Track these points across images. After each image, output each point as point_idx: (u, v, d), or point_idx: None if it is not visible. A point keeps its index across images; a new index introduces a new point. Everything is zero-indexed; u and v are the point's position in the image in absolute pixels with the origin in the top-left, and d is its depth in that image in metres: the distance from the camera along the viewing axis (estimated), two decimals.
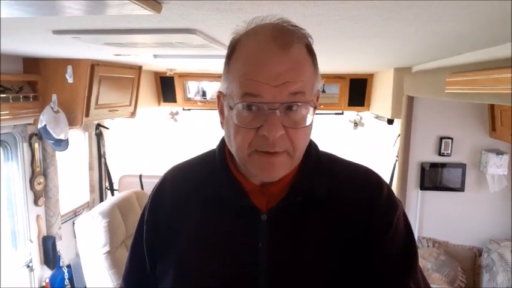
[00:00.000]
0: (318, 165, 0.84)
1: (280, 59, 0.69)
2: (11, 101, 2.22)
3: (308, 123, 0.73)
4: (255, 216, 0.79)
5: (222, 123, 0.81)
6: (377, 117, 3.71)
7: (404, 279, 0.78)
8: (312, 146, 0.84)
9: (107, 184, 3.66)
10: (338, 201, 0.81)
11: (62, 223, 2.92)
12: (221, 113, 0.81)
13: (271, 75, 0.68)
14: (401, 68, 2.80)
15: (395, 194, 0.86)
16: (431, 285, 0.86)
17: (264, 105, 0.69)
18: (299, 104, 0.71)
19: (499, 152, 2.72)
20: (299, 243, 0.79)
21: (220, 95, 0.80)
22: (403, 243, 0.81)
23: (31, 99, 2.40)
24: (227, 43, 0.78)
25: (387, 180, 3.19)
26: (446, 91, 1.84)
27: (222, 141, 0.88)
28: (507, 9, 0.92)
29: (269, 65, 0.69)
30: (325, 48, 1.69)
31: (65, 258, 2.95)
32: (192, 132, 4.21)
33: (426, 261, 2.76)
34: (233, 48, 0.75)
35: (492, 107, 2.59)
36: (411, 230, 0.85)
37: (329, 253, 0.78)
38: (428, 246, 2.95)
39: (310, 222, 0.80)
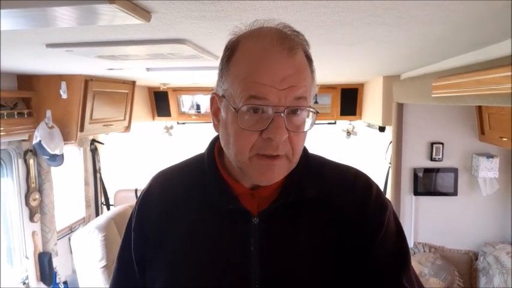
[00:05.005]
0: (308, 167, 0.84)
1: (286, 62, 0.69)
2: (5, 117, 2.25)
3: (307, 128, 0.74)
4: (246, 220, 0.79)
5: (215, 125, 0.80)
6: (369, 125, 3.76)
7: (397, 277, 0.79)
8: None
9: (103, 199, 3.67)
10: (328, 203, 0.81)
11: (58, 239, 2.91)
12: (215, 115, 0.79)
13: (277, 78, 0.68)
14: (390, 76, 2.86)
15: (390, 200, 0.86)
16: None
17: (269, 108, 0.68)
18: (302, 108, 0.71)
19: (489, 156, 2.76)
20: (291, 246, 0.78)
21: (215, 96, 0.78)
22: (394, 242, 0.81)
23: (25, 116, 2.43)
24: (217, 53, 0.79)
25: (381, 187, 3.21)
26: (432, 95, 1.89)
27: (211, 145, 0.88)
28: (483, 12, 0.96)
29: (275, 68, 0.68)
30: (312, 56, 1.73)
31: (62, 275, 2.93)
32: (187, 146, 4.22)
33: (423, 266, 2.77)
34: (233, 49, 0.73)
35: (480, 110, 2.63)
36: (402, 229, 0.85)
37: (322, 255, 0.78)
38: (424, 251, 2.96)
39: (302, 224, 0.79)
